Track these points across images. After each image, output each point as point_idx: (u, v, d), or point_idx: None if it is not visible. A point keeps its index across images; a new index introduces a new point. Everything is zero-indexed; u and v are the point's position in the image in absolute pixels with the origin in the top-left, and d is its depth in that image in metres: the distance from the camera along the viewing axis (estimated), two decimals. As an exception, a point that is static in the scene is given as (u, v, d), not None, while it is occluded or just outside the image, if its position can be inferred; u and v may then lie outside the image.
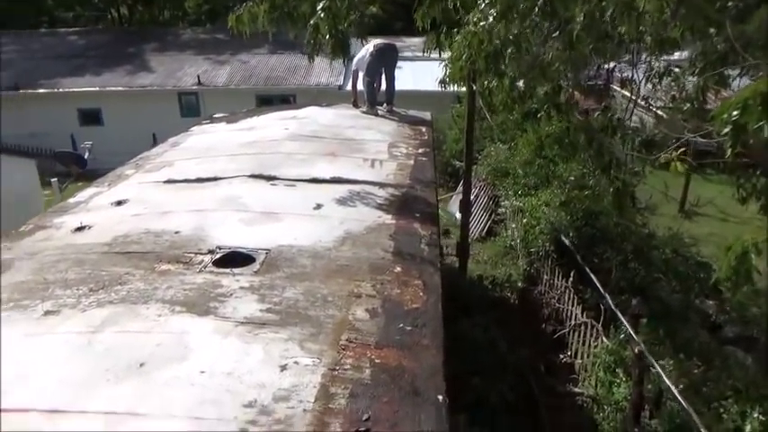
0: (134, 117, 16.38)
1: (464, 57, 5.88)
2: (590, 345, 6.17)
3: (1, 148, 9.90)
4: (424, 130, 7.19)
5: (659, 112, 11.33)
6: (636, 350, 4.75)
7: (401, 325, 2.94)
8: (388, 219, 4.32)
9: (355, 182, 5.07)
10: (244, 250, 3.65)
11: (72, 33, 21.97)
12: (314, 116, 7.50)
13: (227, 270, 3.37)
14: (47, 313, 2.92)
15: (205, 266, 3.43)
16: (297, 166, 5.41)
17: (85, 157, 11.26)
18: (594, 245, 7.34)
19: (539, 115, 5.40)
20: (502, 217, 9.65)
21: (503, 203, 9.93)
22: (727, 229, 9.70)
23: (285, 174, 5.18)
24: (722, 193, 9.59)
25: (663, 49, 5.18)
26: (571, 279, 7.07)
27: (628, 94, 7.70)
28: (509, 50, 4.46)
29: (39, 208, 8.89)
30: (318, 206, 4.46)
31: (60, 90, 16.99)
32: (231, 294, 3.10)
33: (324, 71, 16.97)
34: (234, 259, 3.54)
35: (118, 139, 14.59)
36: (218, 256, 3.57)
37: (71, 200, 5.00)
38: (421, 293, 3.29)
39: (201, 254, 3.60)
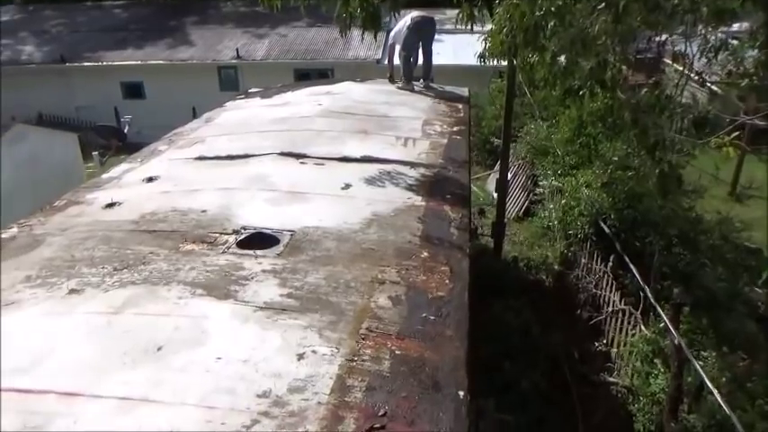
0: (175, 90, 16.56)
1: (504, 30, 5.63)
2: (627, 333, 5.95)
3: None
4: (460, 107, 6.96)
5: (714, 87, 10.73)
6: (675, 341, 4.53)
7: (424, 314, 2.84)
8: (417, 200, 4.19)
9: (386, 161, 4.95)
10: (268, 231, 3.59)
11: (116, 7, 22.26)
12: (348, 92, 7.36)
13: (251, 252, 3.32)
14: (71, 292, 2.94)
15: (229, 247, 3.39)
16: (327, 144, 5.31)
17: (125, 130, 11.45)
18: (637, 228, 7.03)
19: (581, 92, 5.11)
20: (540, 197, 9.36)
21: (541, 183, 9.63)
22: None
23: (315, 152, 5.09)
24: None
25: (721, 20, 4.81)
26: (610, 264, 6.81)
27: (680, 68, 7.27)
28: (551, 23, 4.20)
29: (81, 180, 9.11)
30: (347, 186, 4.36)
31: (104, 63, 17.30)
32: (253, 278, 3.04)
33: (362, 45, 16.73)
34: (258, 240, 3.49)
35: (159, 112, 14.78)
36: (242, 236, 3.52)
37: (104, 175, 5.05)
38: (447, 281, 3.17)
39: (226, 234, 3.56)
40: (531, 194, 10.40)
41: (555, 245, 8.65)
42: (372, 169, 4.76)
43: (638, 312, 5.93)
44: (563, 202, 8.27)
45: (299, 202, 4.06)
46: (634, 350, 5.47)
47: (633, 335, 5.78)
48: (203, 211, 3.88)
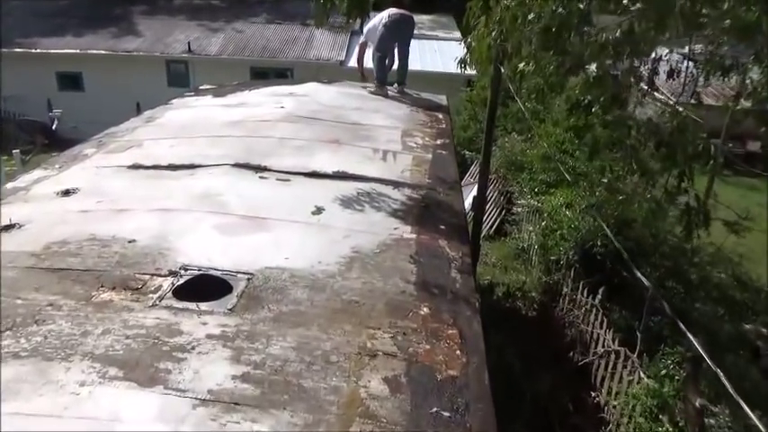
0: (118, 84, 15.21)
1: (493, 34, 4.96)
2: (623, 378, 5.32)
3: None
4: (440, 116, 6.22)
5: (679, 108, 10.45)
6: (697, 403, 3.90)
7: (435, 409, 2.03)
8: (406, 231, 3.39)
9: (363, 179, 4.13)
10: (218, 273, 2.71)
11: (56, -9, 20.55)
12: (314, 94, 6.50)
13: (192, 305, 2.44)
14: None
15: (162, 297, 2.49)
16: (293, 155, 4.46)
17: (53, 126, 10.16)
18: (626, 258, 6.46)
19: (591, 107, 4.47)
20: (516, 216, 8.74)
21: (517, 201, 9.02)
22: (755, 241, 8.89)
23: (278, 164, 4.22)
24: (744, 198, 8.79)
25: (745, 35, 4.24)
26: (599, 297, 6.20)
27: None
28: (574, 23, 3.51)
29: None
30: (318, 210, 3.52)
31: (38, 51, 15.73)
32: (193, 348, 2.17)
33: (325, 44, 15.85)
34: (203, 287, 2.61)
35: (100, 106, 13.45)
36: (181, 281, 2.63)
37: (8, 185, 4.02)
38: (458, 351, 2.38)
39: (160, 276, 2.66)
40: (503, 211, 9.78)
41: (531, 269, 8.02)
42: (348, 188, 3.93)
43: (635, 355, 5.31)
44: (543, 223, 7.66)
45: (259, 230, 3.19)
46: (635, 402, 4.83)
47: (630, 381, 5.15)
48: (131, 242, 2.96)
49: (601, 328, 5.96)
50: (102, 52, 15.73)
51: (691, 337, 4.05)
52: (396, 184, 4.10)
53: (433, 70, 14.70)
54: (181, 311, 2.40)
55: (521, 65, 5.14)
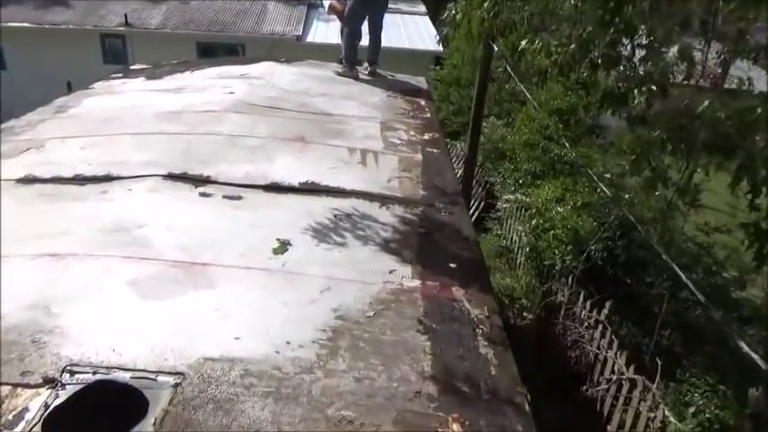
0: (46, 61, 13.52)
1: (485, 5, 4.11)
2: (639, 413, 4.57)
3: None
4: (422, 103, 5.24)
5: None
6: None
7: None
8: (405, 276, 2.44)
9: (340, 192, 3.14)
10: (126, 377, 1.70)
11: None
12: (270, 76, 5.41)
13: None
14: None
15: (32, 427, 1.48)
16: (245, 159, 3.42)
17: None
18: (632, 264, 5.71)
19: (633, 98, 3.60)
20: (500, 212, 7.89)
21: (499, 193, 8.17)
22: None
23: (226, 174, 3.18)
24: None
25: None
26: (605, 311, 5.42)
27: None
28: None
29: None
30: (282, 246, 2.52)
31: (-50, 22, 13.85)
32: None
33: (279, 18, 14.52)
34: (99, 405, 1.60)
35: (26, 86, 11.87)
36: (61, 398, 1.61)
37: None
38: None
39: (28, 387, 1.64)
40: (482, 203, 8.93)
41: (519, 272, 7.21)
42: (321, 208, 2.94)
43: (655, 385, 4.56)
44: (533, 222, 6.83)
45: (197, 286, 2.18)
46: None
47: (651, 419, 4.40)
48: (-8, 318, 1.90)
49: (609, 348, 5.19)
50: (26, 25, 13.96)
51: (752, 392, 3.26)
52: (383, 200, 3.13)
53: (397, 46, 13.60)
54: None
55: (523, 42, 4.28)
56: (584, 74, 4.60)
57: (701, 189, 4.45)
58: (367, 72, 5.95)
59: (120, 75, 5.69)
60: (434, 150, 4.05)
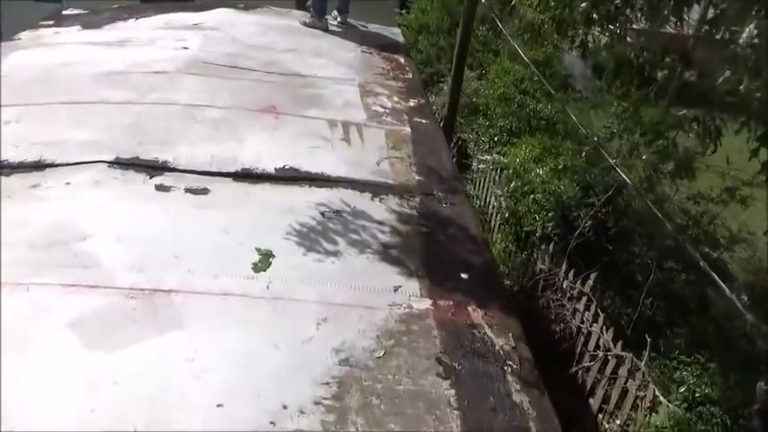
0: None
1: None
2: (627, 391, 4.44)
3: None
4: (402, 61, 4.71)
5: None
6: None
7: None
8: (413, 294, 2.05)
9: (325, 180, 2.69)
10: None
11: None
12: (228, 26, 4.76)
13: None
14: None
15: None
16: (209, 137, 2.90)
17: None
18: (617, 233, 5.50)
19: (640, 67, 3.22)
20: (475, 173, 7.53)
21: (473, 152, 7.78)
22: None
23: (186, 157, 2.67)
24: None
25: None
26: (590, 282, 5.21)
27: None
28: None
29: None
30: (264, 260, 2.08)
31: None
32: None
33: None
34: None
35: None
36: None
37: None
38: None
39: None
40: (453, 159, 8.55)
41: (494, 237, 6.94)
42: (303, 202, 2.49)
43: (643, 363, 4.41)
44: (512, 184, 6.50)
45: (161, 328, 1.73)
46: None
47: (640, 399, 4.27)
48: None
49: (595, 321, 5.01)
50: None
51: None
52: (374, 189, 2.69)
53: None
54: None
55: None
56: (581, 31, 4.21)
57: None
58: (336, 22, 5.34)
59: (52, 22, 4.89)
60: (423, 121, 3.59)
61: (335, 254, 2.20)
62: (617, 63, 3.61)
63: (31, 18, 5.37)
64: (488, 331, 1.96)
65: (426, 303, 2.02)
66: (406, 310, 1.97)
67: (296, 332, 1.78)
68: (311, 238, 2.26)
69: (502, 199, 6.51)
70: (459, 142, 8.38)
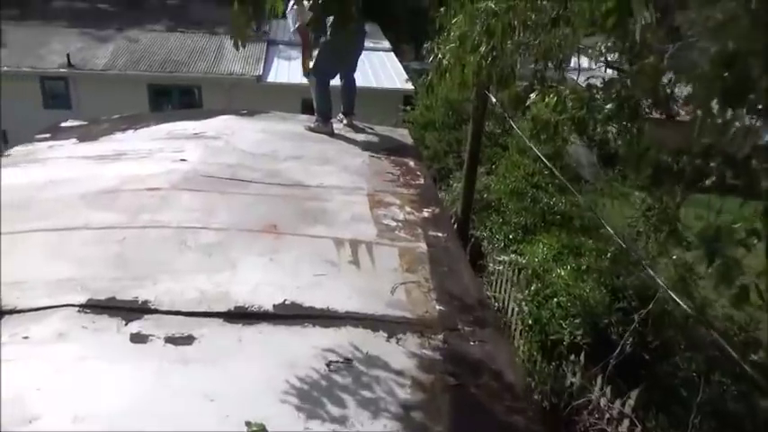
0: (-22, 106, 12.31)
1: (481, 50, 3.49)
2: None
3: None
4: (412, 164, 4.46)
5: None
6: None
7: None
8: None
9: (332, 318, 2.29)
10: None
11: None
12: (230, 134, 4.56)
13: None
14: None
15: None
16: (199, 267, 2.54)
17: None
18: (654, 342, 5.00)
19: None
20: (492, 274, 7.13)
21: (486, 250, 7.41)
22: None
23: (170, 294, 2.29)
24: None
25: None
26: (630, 402, 4.65)
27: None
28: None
29: None
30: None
31: None
32: None
33: (238, 57, 13.69)
34: None
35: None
36: None
37: None
38: None
39: None
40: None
41: (513, 340, 6.41)
42: (306, 351, 2.08)
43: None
44: (532, 287, 6.06)
45: None
46: None
47: None
48: None
49: (640, 449, 4.40)
50: (-45, 67, 12.74)
51: None
52: (389, 327, 2.29)
53: (364, 85, 12.98)
54: None
55: (532, 95, 3.70)
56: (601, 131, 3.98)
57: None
58: (343, 125, 5.17)
59: (47, 135, 4.72)
60: (440, 235, 3.24)
61: (343, 421, 1.77)
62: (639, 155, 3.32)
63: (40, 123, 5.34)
64: None
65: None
66: None
67: None
68: (314, 401, 1.83)
69: (523, 303, 6.05)
70: (473, 240, 8.04)
